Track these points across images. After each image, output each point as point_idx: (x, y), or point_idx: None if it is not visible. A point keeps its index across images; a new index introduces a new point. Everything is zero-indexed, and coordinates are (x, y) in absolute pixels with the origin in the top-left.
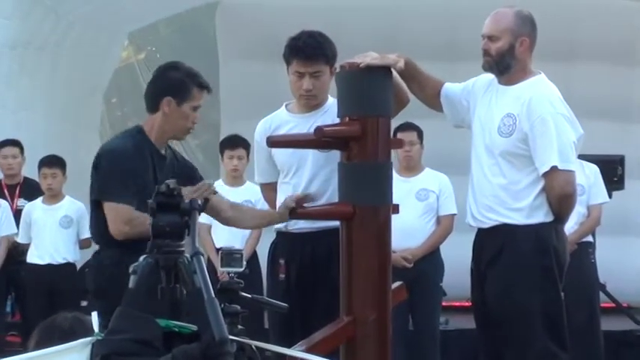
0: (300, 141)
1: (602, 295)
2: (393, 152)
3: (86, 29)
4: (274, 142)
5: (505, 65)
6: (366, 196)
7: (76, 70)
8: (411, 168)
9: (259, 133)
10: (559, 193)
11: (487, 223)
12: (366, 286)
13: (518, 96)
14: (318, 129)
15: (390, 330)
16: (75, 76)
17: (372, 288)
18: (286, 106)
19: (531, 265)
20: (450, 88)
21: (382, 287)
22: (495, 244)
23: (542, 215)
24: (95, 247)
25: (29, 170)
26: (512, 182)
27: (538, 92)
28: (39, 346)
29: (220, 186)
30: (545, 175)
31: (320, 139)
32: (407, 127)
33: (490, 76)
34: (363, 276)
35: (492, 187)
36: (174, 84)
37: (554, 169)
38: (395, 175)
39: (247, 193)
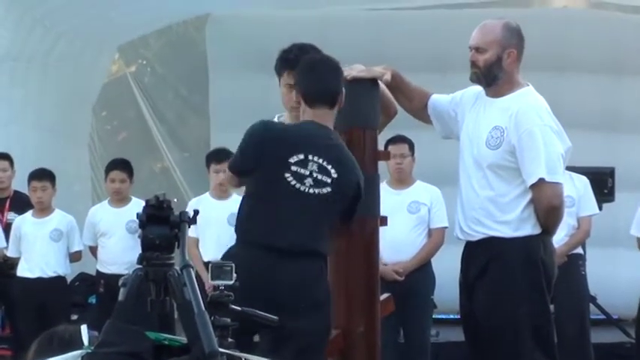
0: None
1: (592, 308)
2: (384, 165)
3: (75, 42)
4: None
5: (492, 77)
6: None
7: (65, 83)
8: (403, 181)
9: None
10: (546, 206)
11: (475, 236)
12: (354, 297)
13: (505, 108)
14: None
15: (378, 341)
16: (64, 89)
17: (360, 300)
18: (278, 118)
19: (519, 278)
20: (437, 99)
21: (370, 299)
22: (483, 257)
23: (529, 228)
24: (87, 260)
25: (18, 184)
26: (500, 195)
27: (525, 104)
28: (37, 354)
29: (207, 199)
30: (533, 187)
31: None
32: (398, 139)
33: (478, 88)
34: (351, 287)
35: (480, 199)
36: None
37: (541, 181)
38: (386, 188)
39: (234, 206)
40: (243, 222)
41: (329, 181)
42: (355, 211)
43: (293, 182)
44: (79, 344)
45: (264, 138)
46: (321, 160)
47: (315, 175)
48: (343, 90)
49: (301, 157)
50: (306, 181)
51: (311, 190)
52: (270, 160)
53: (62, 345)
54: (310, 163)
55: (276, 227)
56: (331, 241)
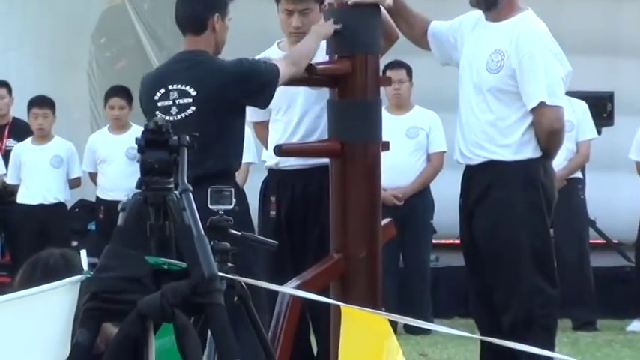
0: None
1: (592, 232)
2: (382, 90)
3: None
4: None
5: (492, 1)
6: (356, 133)
7: (63, 10)
8: (401, 106)
9: None
10: (547, 129)
11: (475, 160)
12: (356, 222)
13: (506, 32)
14: (309, 66)
15: (380, 266)
16: (62, 17)
17: (362, 225)
18: (278, 44)
19: (519, 201)
20: (437, 26)
21: (372, 224)
22: (483, 181)
23: (530, 151)
24: (86, 186)
25: (17, 111)
26: (500, 118)
27: (526, 28)
28: (22, 281)
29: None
30: (533, 110)
31: (311, 77)
32: (396, 64)
33: (478, 13)
34: (353, 213)
35: (480, 123)
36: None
37: (542, 104)
38: (384, 113)
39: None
40: None
41: (190, 100)
42: (261, 90)
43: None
44: (64, 269)
45: (140, 94)
46: (179, 85)
47: (177, 101)
48: (214, 14)
49: (162, 90)
50: (171, 110)
51: (178, 117)
52: (145, 107)
53: (46, 272)
54: (171, 92)
55: None
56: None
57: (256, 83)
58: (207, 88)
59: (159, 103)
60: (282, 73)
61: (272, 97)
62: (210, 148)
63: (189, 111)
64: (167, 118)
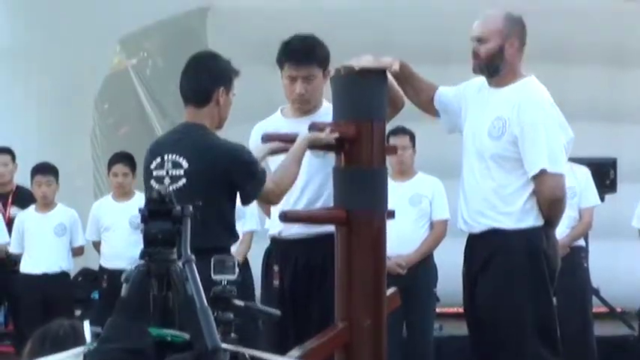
0: (294, 139)
1: (595, 300)
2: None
3: (76, 35)
4: (269, 137)
5: (494, 67)
6: (361, 202)
7: (66, 76)
8: (404, 172)
9: (255, 137)
10: (549, 197)
11: (478, 228)
12: (361, 291)
13: (508, 98)
14: (313, 125)
15: (385, 336)
16: (65, 83)
17: (367, 294)
18: (281, 110)
19: (522, 270)
20: (443, 92)
21: (377, 293)
22: (486, 249)
23: (532, 219)
24: (89, 254)
25: (20, 178)
26: (502, 185)
27: (528, 95)
28: (31, 353)
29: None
30: (535, 178)
31: None
32: (399, 131)
33: (481, 79)
34: (358, 281)
35: (482, 190)
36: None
37: (543, 172)
38: (388, 180)
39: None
40: None
41: (182, 172)
42: (250, 187)
43: (156, 187)
44: (73, 341)
45: (144, 166)
46: (174, 156)
47: (170, 172)
48: (219, 87)
49: (159, 160)
50: (164, 180)
51: (170, 188)
52: (144, 175)
53: (56, 344)
54: (166, 163)
55: None
56: (223, 228)
57: (248, 179)
58: (200, 162)
59: (154, 173)
60: (266, 186)
61: (252, 201)
62: (201, 224)
63: (180, 183)
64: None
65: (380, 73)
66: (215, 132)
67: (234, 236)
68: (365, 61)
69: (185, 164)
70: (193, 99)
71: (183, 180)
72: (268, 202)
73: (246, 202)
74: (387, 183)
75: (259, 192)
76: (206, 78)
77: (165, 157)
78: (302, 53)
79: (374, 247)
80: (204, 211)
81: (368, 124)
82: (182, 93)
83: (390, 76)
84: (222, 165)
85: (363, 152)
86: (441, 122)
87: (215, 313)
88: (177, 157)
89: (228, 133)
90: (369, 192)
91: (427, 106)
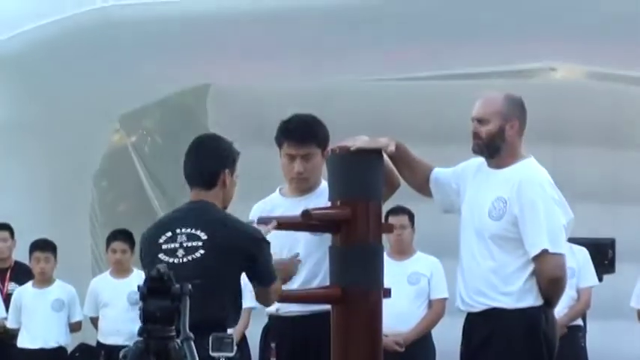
0: (289, 223)
1: None
2: (384, 235)
3: (75, 112)
4: (264, 222)
5: (495, 148)
6: (357, 280)
7: (65, 153)
8: (403, 251)
9: (254, 216)
10: (549, 277)
11: (477, 307)
12: None
13: (508, 179)
14: (306, 212)
15: None
16: (64, 159)
17: None
18: (280, 189)
19: (521, 350)
20: (439, 173)
21: None
22: (485, 329)
23: (532, 299)
24: (87, 330)
25: (18, 254)
26: (502, 265)
27: (528, 175)
28: None
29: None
30: (536, 258)
31: (307, 223)
32: (398, 210)
33: (480, 160)
34: (354, 359)
35: (482, 270)
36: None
37: (544, 252)
38: (386, 259)
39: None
40: None
41: (200, 244)
42: (266, 273)
43: (166, 259)
44: None
45: (141, 245)
46: (189, 230)
47: (184, 244)
48: (224, 170)
49: (169, 234)
50: (177, 252)
51: (184, 259)
52: (147, 253)
53: None
54: (179, 236)
55: None
56: (233, 305)
57: (262, 264)
58: (219, 236)
59: (163, 246)
60: (272, 287)
61: (259, 283)
62: (211, 295)
63: (198, 254)
64: (170, 260)
65: (376, 154)
66: None
67: (240, 308)
68: (361, 141)
69: (204, 236)
70: (200, 182)
71: (201, 251)
72: (268, 300)
73: (255, 279)
74: (383, 261)
75: (272, 275)
76: (211, 161)
77: (177, 231)
78: (301, 132)
79: (370, 325)
80: (216, 282)
81: (363, 203)
82: (186, 176)
83: (385, 156)
84: (243, 241)
85: (358, 231)
86: (435, 202)
87: None
88: (193, 229)
89: (228, 211)
90: (365, 269)
91: (422, 186)
